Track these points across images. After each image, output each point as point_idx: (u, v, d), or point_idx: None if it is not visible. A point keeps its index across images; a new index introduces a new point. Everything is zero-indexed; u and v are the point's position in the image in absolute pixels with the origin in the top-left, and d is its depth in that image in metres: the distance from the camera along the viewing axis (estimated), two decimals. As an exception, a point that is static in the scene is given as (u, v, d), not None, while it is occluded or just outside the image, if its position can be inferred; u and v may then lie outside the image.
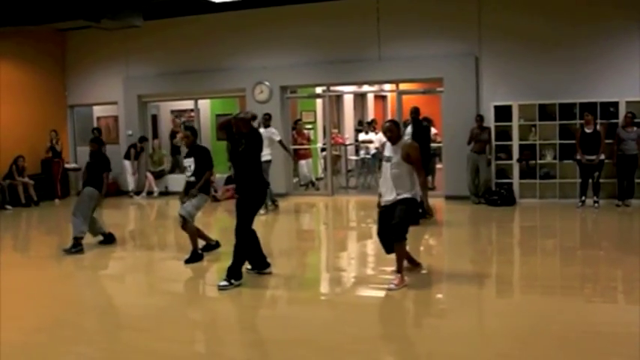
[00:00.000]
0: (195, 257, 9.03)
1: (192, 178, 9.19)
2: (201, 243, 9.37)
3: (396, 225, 7.36)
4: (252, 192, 7.72)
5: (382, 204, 7.72)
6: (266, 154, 11.98)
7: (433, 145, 15.98)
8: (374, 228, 12.63)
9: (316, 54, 15.53)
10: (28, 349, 5.79)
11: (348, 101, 20.80)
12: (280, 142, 13.49)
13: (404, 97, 15.94)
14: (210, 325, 6.69)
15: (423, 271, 8.12)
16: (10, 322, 6.48)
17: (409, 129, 12.03)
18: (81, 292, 8.35)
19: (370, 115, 21.59)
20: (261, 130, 11.98)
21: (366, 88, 19.72)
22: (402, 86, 16.08)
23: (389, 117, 21.89)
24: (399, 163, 7.46)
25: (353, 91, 19.54)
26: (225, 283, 7.57)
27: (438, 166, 16.35)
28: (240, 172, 7.80)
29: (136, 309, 7.12)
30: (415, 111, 12.15)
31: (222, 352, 5.75)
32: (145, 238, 12.23)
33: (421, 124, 12.25)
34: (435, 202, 14.56)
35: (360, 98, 21.82)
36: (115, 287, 8.61)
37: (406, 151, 7.45)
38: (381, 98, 22.85)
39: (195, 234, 9.15)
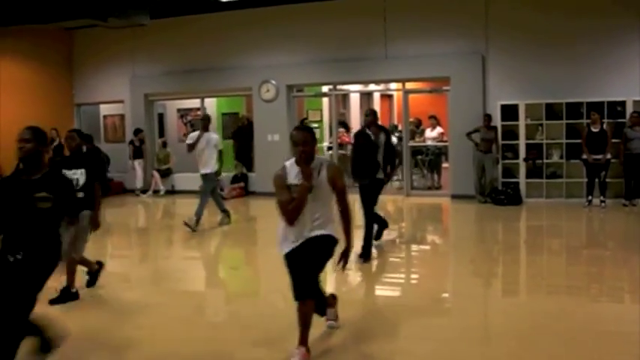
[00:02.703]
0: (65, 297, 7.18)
1: (82, 194, 6.97)
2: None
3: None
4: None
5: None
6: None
7: (439, 143, 15.99)
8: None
9: (323, 52, 15.52)
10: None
11: (355, 100, 20.77)
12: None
13: (410, 96, 15.91)
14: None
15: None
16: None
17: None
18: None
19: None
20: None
21: (372, 87, 19.69)
22: (409, 85, 16.05)
23: (395, 116, 21.91)
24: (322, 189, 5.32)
25: (359, 89, 19.50)
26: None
27: (445, 165, 16.32)
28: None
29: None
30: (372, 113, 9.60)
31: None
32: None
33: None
34: (441, 201, 14.61)
35: (367, 97, 21.78)
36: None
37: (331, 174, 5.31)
38: (387, 97, 22.82)
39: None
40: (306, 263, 5.23)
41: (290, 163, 5.27)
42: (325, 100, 18.65)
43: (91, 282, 7.76)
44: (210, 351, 5.59)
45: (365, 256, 8.78)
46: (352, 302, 7.27)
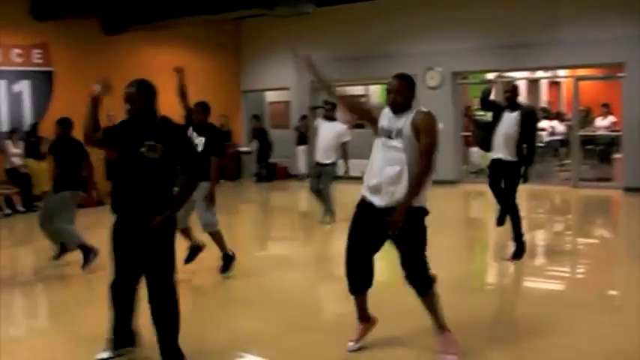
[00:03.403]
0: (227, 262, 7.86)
1: None
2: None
3: (412, 267, 5.00)
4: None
5: (366, 201, 5.01)
6: None
7: (611, 133, 15.28)
8: (544, 218, 12.42)
9: (489, 38, 15.19)
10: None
11: (521, 87, 20.19)
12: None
13: (580, 83, 15.28)
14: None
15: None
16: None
17: None
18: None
19: (543, 103, 20.91)
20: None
21: (539, 73, 19.10)
22: (579, 72, 15.42)
23: (564, 105, 21.17)
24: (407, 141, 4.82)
25: (526, 77, 18.98)
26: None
27: (617, 155, 15.61)
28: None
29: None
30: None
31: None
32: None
33: None
34: (612, 193, 13.96)
35: (534, 84, 21.15)
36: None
37: (417, 125, 4.81)
38: (555, 84, 22.08)
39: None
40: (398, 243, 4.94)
41: (387, 110, 5.05)
42: (491, 87, 18.24)
43: (189, 259, 7.85)
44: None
45: (517, 254, 8.29)
46: (516, 295, 7.15)
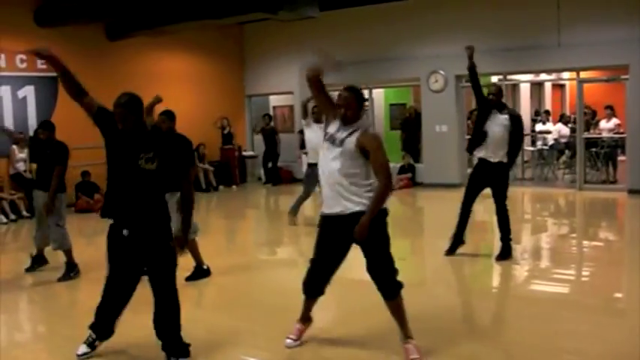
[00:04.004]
0: (198, 274, 7.89)
1: None
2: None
3: (380, 270, 5.12)
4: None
5: (325, 215, 5.19)
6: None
7: (615, 135, 15.24)
8: (549, 221, 12.41)
9: (492, 41, 15.15)
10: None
11: (525, 90, 20.20)
12: None
13: (585, 85, 15.25)
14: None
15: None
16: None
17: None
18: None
19: (547, 105, 20.90)
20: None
21: (543, 76, 19.09)
22: (583, 74, 15.40)
23: (567, 107, 21.15)
24: (348, 154, 5.00)
25: (530, 79, 18.96)
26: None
27: (621, 158, 15.57)
28: None
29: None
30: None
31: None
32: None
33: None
34: (617, 195, 13.93)
35: (537, 87, 21.14)
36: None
37: (364, 145, 4.98)
38: (559, 87, 22.06)
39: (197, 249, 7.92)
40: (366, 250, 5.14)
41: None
42: (494, 90, 18.23)
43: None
44: (365, 337, 5.65)
45: (503, 255, 8.37)
46: (521, 298, 7.14)
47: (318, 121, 10.95)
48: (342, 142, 5.01)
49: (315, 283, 5.37)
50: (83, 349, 5.38)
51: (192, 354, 5.19)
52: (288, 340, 5.51)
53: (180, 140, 7.73)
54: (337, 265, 5.28)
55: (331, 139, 5.09)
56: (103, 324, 5.39)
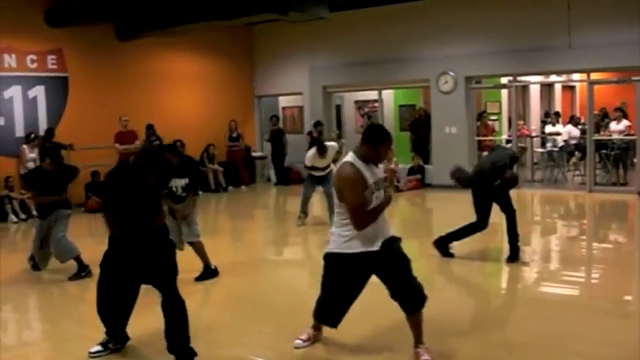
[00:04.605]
0: (207, 274, 8.02)
1: (184, 194, 7.83)
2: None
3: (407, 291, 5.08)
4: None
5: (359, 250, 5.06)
6: None
7: (626, 137, 15.17)
8: (559, 223, 12.38)
9: (502, 43, 15.13)
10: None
11: (535, 92, 20.14)
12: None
13: (595, 87, 15.19)
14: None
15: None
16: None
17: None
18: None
19: (557, 107, 20.83)
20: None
21: (553, 78, 19.03)
22: (594, 76, 15.34)
23: (577, 108, 21.08)
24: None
25: (540, 81, 18.90)
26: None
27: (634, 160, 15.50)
28: None
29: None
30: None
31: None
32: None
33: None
34: (627, 198, 13.86)
35: (547, 89, 21.07)
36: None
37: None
38: (569, 89, 21.97)
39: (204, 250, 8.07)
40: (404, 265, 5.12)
41: (358, 162, 4.96)
42: (504, 91, 18.23)
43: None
44: (378, 341, 5.65)
45: (512, 257, 8.44)
46: (530, 300, 7.11)
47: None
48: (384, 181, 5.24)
49: (333, 317, 5.36)
50: (96, 347, 5.52)
51: (200, 354, 5.19)
52: (298, 341, 5.52)
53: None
54: (354, 299, 5.28)
55: (378, 186, 5.06)
56: (114, 330, 5.53)
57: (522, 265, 8.35)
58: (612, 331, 5.84)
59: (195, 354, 5.22)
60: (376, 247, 5.00)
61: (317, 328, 5.60)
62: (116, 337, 5.56)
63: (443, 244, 8.74)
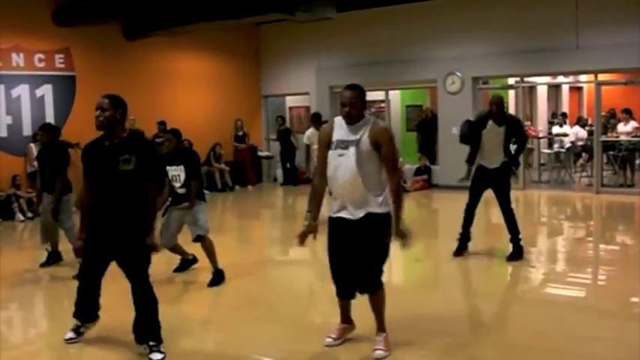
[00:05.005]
0: (218, 278, 7.73)
1: (183, 190, 7.59)
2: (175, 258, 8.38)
3: (368, 270, 5.16)
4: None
5: (337, 217, 5.18)
6: None
7: (633, 138, 15.12)
8: (566, 224, 12.35)
9: (510, 43, 15.10)
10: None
11: (542, 92, 20.11)
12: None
13: (603, 88, 15.14)
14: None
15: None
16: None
17: None
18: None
19: (565, 108, 20.79)
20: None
21: (560, 79, 18.99)
22: (601, 77, 15.29)
23: (585, 110, 21.02)
24: (364, 152, 5.02)
25: (547, 82, 18.87)
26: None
27: (638, 161, 15.46)
28: None
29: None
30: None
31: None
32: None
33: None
34: (635, 199, 13.81)
35: (555, 89, 21.03)
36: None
37: (375, 136, 5.02)
38: (576, 89, 21.92)
39: (214, 251, 7.78)
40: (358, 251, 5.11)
41: (339, 120, 5.13)
42: (511, 92, 18.21)
43: (180, 268, 8.17)
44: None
45: (514, 256, 8.44)
46: (537, 302, 7.09)
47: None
48: (357, 143, 4.99)
49: (341, 285, 5.30)
50: (70, 334, 5.71)
51: (208, 353, 5.18)
52: (328, 339, 5.47)
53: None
54: (355, 264, 5.18)
55: (343, 144, 5.04)
56: (83, 308, 5.67)
57: (528, 266, 8.33)
58: (619, 333, 5.82)
59: (161, 341, 5.29)
60: (343, 215, 5.11)
61: (344, 320, 5.53)
62: (85, 316, 5.69)
63: (462, 247, 8.73)
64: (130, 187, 5.19)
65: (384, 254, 5.14)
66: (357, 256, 5.10)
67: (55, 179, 8.30)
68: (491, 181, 8.43)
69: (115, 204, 5.22)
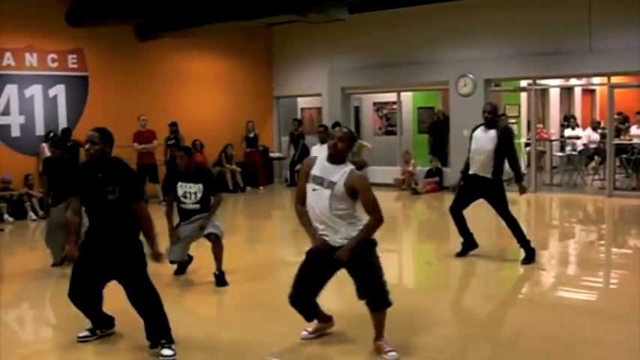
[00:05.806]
0: (222, 280, 7.74)
1: (197, 206, 7.69)
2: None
3: (372, 287, 5.21)
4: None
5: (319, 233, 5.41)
6: None
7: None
8: (578, 227, 12.30)
9: (522, 46, 15.06)
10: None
11: (554, 95, 20.04)
12: None
13: (616, 90, 15.07)
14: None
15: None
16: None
17: None
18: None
19: (577, 110, 20.71)
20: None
21: (573, 81, 18.91)
22: (614, 79, 15.23)
23: (598, 112, 20.93)
24: (338, 196, 5.18)
25: (560, 84, 18.80)
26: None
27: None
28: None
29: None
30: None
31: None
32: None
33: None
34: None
35: (567, 92, 20.96)
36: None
37: (351, 184, 5.16)
38: (589, 92, 21.84)
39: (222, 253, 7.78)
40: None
41: (323, 157, 5.30)
42: (523, 95, 18.16)
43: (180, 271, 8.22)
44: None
45: (527, 259, 8.43)
46: (549, 306, 7.06)
47: (323, 141, 10.90)
48: (332, 186, 5.15)
49: (298, 295, 5.50)
50: (84, 332, 5.82)
51: (218, 354, 5.19)
52: (304, 332, 5.70)
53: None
54: (320, 289, 5.48)
55: (318, 180, 5.22)
56: (89, 318, 5.82)
57: (539, 269, 8.31)
58: (630, 337, 5.78)
59: (173, 341, 5.37)
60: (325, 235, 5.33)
61: (321, 319, 5.73)
62: (97, 323, 5.83)
63: (466, 248, 8.77)
64: (119, 212, 5.45)
65: (375, 268, 5.23)
66: (352, 275, 5.28)
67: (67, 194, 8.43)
68: (483, 191, 8.51)
69: (107, 228, 5.49)
